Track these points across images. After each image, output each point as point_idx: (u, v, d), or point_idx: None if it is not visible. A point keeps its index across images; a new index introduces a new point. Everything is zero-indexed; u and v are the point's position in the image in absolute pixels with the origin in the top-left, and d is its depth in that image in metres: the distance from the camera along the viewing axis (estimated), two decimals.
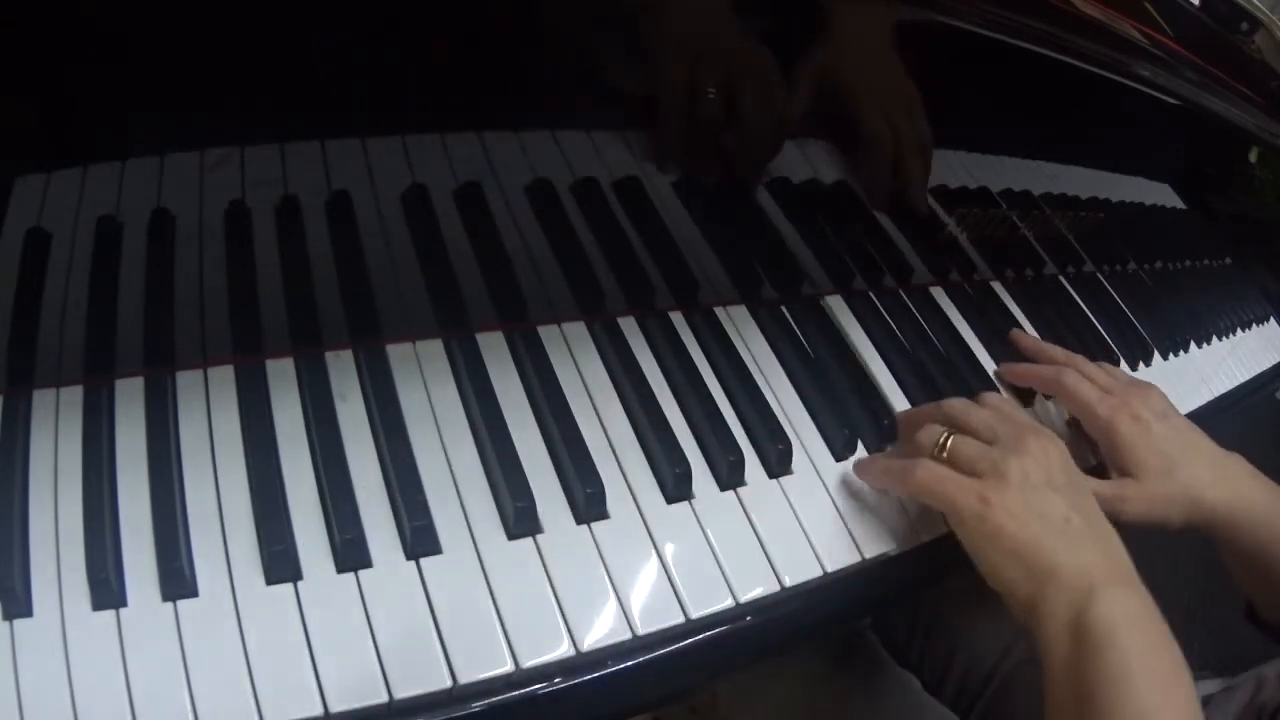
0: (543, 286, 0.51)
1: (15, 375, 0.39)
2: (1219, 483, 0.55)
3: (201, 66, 0.41)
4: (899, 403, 0.57)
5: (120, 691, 0.33)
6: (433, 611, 0.38)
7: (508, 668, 0.37)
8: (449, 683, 0.36)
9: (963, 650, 0.73)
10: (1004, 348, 0.66)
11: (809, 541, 0.47)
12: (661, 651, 0.41)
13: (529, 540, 0.42)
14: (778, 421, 0.50)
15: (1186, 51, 0.69)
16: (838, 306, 0.61)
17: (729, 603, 0.43)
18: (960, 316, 0.66)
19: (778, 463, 0.49)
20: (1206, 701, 0.63)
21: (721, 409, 0.50)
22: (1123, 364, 0.74)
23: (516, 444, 0.43)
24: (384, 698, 0.35)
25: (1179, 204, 0.97)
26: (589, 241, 0.53)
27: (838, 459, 0.52)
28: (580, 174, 0.54)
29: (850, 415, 0.53)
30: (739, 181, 0.60)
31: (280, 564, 0.37)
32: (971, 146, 0.71)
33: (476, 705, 0.37)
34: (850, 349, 0.58)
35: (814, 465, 0.51)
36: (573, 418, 0.46)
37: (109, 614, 0.34)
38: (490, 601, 0.39)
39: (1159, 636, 0.42)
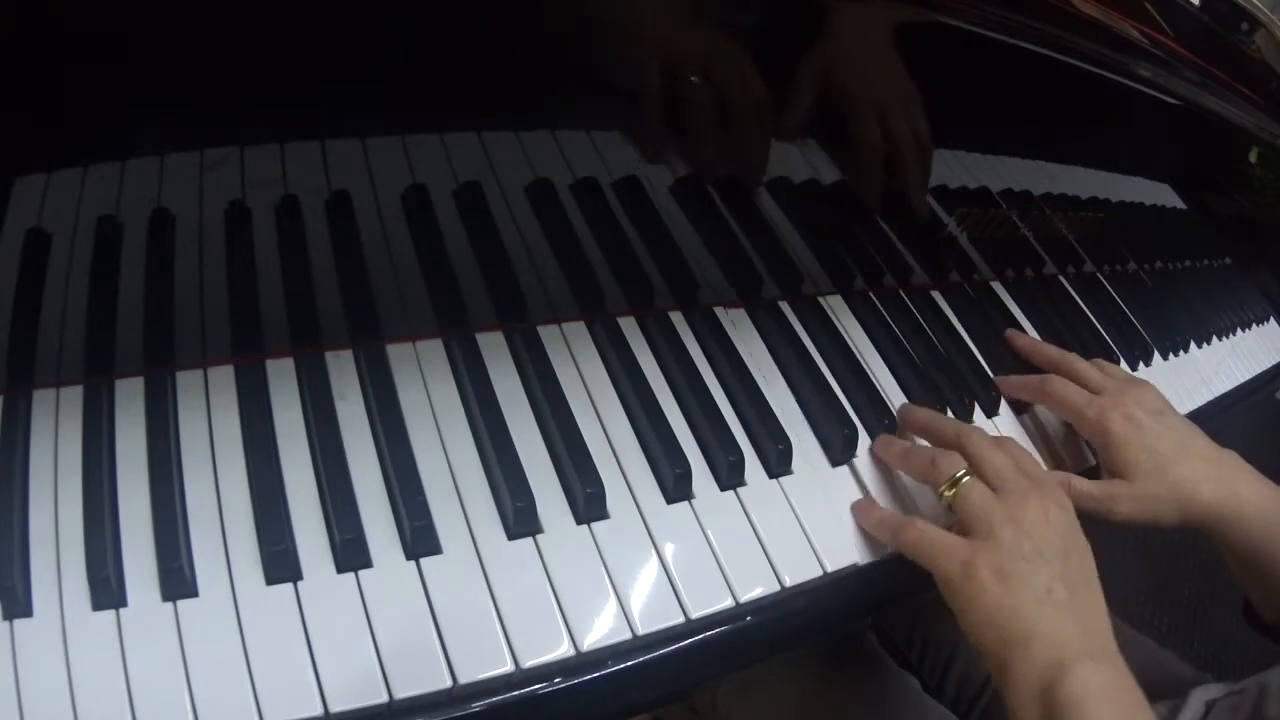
0: (543, 286, 0.51)
1: (15, 375, 0.39)
2: (1214, 480, 0.55)
3: (201, 66, 0.41)
4: (899, 402, 0.57)
5: (120, 691, 0.33)
6: (433, 611, 0.38)
7: (508, 668, 0.37)
8: (449, 683, 0.36)
9: (963, 651, 0.73)
10: (1004, 348, 0.66)
11: (809, 541, 0.47)
12: (661, 651, 0.42)
13: (529, 540, 0.42)
14: (778, 421, 0.50)
15: (1186, 51, 0.69)
16: (838, 306, 0.61)
17: (729, 603, 0.43)
18: (960, 317, 0.66)
19: (778, 463, 0.49)
20: (1209, 706, 0.63)
21: (721, 409, 0.50)
22: (1123, 364, 0.74)
23: (516, 444, 0.43)
24: (384, 698, 0.35)
25: (1179, 204, 0.97)
26: (589, 241, 0.53)
27: (838, 459, 0.52)
28: (580, 174, 0.54)
29: (850, 415, 0.54)
30: (738, 181, 0.60)
31: (280, 564, 0.37)
32: (971, 146, 0.71)
33: (476, 705, 0.37)
34: (850, 349, 0.58)
35: (814, 465, 0.51)
36: (573, 418, 0.46)
37: (109, 614, 0.34)
38: (490, 601, 0.39)
39: (1131, 709, 0.41)
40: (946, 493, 0.48)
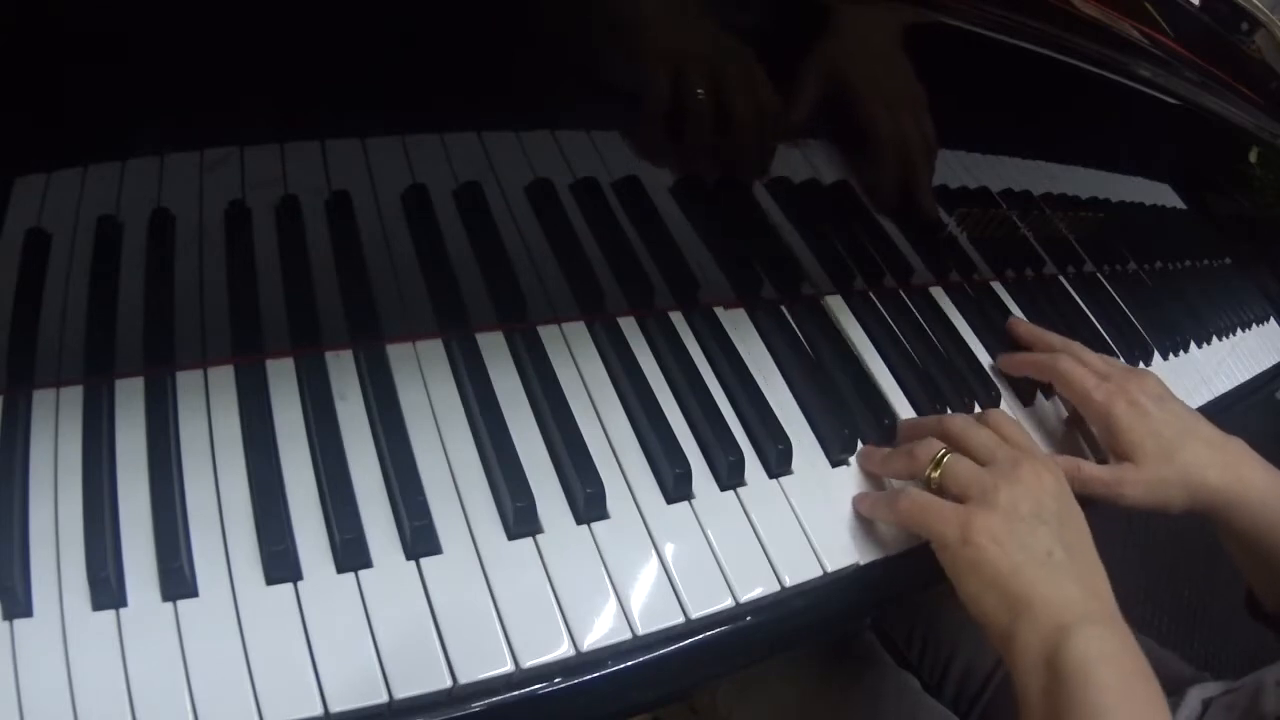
0: (543, 286, 0.51)
1: (15, 375, 0.39)
2: (1219, 465, 0.55)
3: (201, 66, 0.41)
4: (899, 403, 0.57)
5: (120, 691, 0.33)
6: (433, 611, 0.38)
7: (508, 668, 0.37)
8: (449, 683, 0.36)
9: (963, 650, 0.73)
10: (1004, 348, 0.66)
11: (809, 541, 0.47)
12: (661, 651, 0.42)
13: (529, 540, 0.42)
14: (778, 421, 0.50)
15: (1186, 51, 0.69)
16: (838, 306, 0.61)
17: (729, 603, 0.43)
18: (960, 316, 0.66)
19: (778, 463, 0.49)
20: (1207, 705, 0.63)
21: (721, 409, 0.50)
22: (1124, 362, 0.74)
23: (516, 444, 0.43)
24: (384, 698, 0.35)
25: (1179, 204, 0.97)
26: (589, 241, 0.53)
27: (838, 459, 0.52)
28: (580, 174, 0.54)
29: (850, 415, 0.54)
30: (739, 181, 0.60)
31: (280, 564, 0.37)
32: (971, 146, 0.71)
33: (476, 705, 0.37)
34: (850, 349, 0.58)
35: (814, 465, 0.51)
36: (573, 418, 0.46)
37: (109, 614, 0.34)
38: (490, 601, 0.39)
39: (1136, 673, 0.41)
40: (933, 474, 0.48)
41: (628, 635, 0.40)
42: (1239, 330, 0.96)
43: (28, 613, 0.34)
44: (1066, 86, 0.68)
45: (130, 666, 0.33)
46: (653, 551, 0.43)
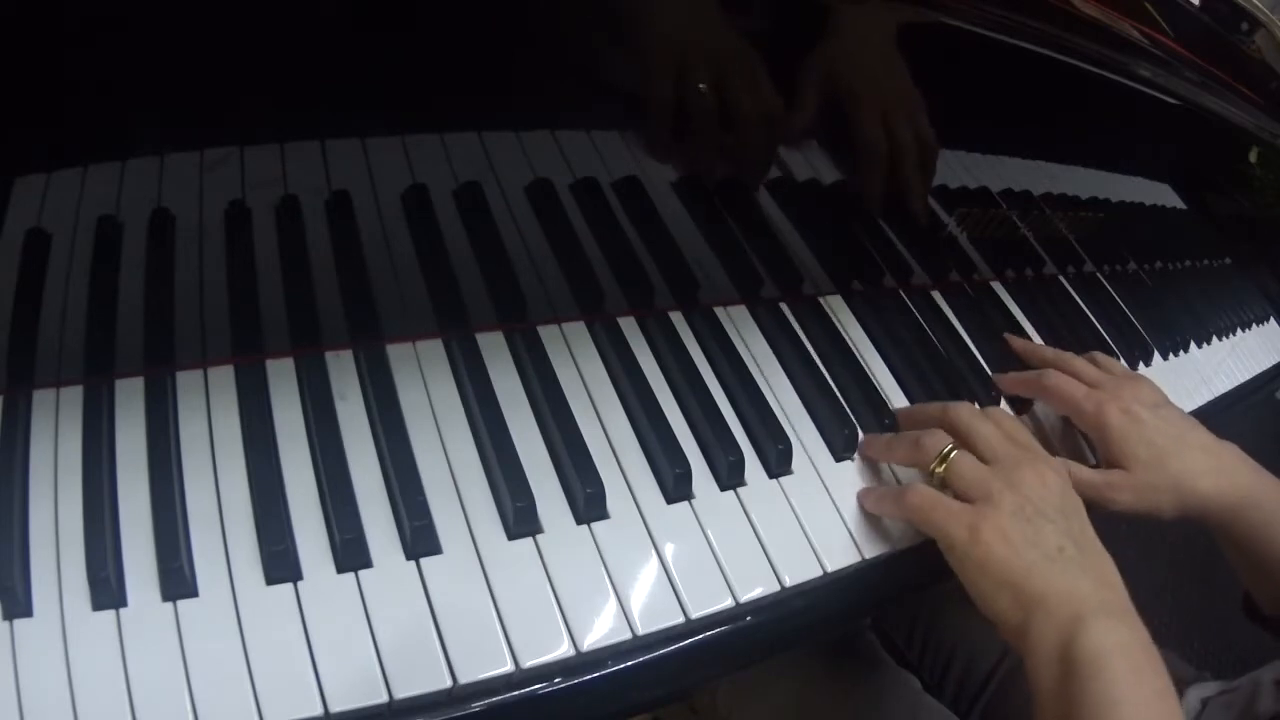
0: (543, 286, 0.51)
1: (15, 375, 0.39)
2: (1213, 472, 0.55)
3: (201, 66, 0.41)
4: (899, 402, 0.57)
5: (120, 691, 0.33)
6: (433, 611, 0.38)
7: (508, 668, 0.37)
8: (449, 683, 0.36)
9: (963, 650, 0.73)
10: (1003, 347, 0.66)
11: (809, 541, 0.47)
12: (661, 651, 0.41)
13: (529, 540, 0.42)
14: (778, 421, 0.50)
15: (1186, 51, 0.69)
16: (838, 306, 0.61)
17: (729, 603, 0.43)
18: (960, 316, 0.66)
19: (778, 463, 0.49)
20: (1205, 704, 0.63)
21: (721, 409, 0.50)
22: (1122, 364, 0.74)
23: (516, 444, 0.43)
24: (384, 698, 0.35)
25: (1179, 204, 0.97)
26: (589, 241, 0.53)
27: (838, 459, 0.52)
28: (580, 174, 0.54)
29: (850, 415, 0.54)
30: (739, 181, 0.60)
31: (280, 564, 0.37)
32: (971, 146, 0.71)
33: (476, 705, 0.37)
34: (850, 349, 0.58)
35: (814, 465, 0.51)
36: (573, 418, 0.46)
37: (109, 614, 0.34)
38: (490, 601, 0.39)
39: (1148, 666, 0.41)
40: (937, 469, 0.47)
41: (628, 635, 0.40)
42: (1239, 330, 0.96)
43: (28, 613, 0.34)
44: (1066, 86, 0.68)
45: (130, 666, 0.33)
46: (653, 551, 0.43)
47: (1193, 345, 0.85)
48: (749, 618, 0.44)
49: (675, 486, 0.45)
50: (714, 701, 0.71)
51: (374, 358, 0.45)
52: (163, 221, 0.44)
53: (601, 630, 0.40)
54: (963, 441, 0.49)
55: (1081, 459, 0.60)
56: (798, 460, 0.50)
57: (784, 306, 0.58)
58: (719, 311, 0.56)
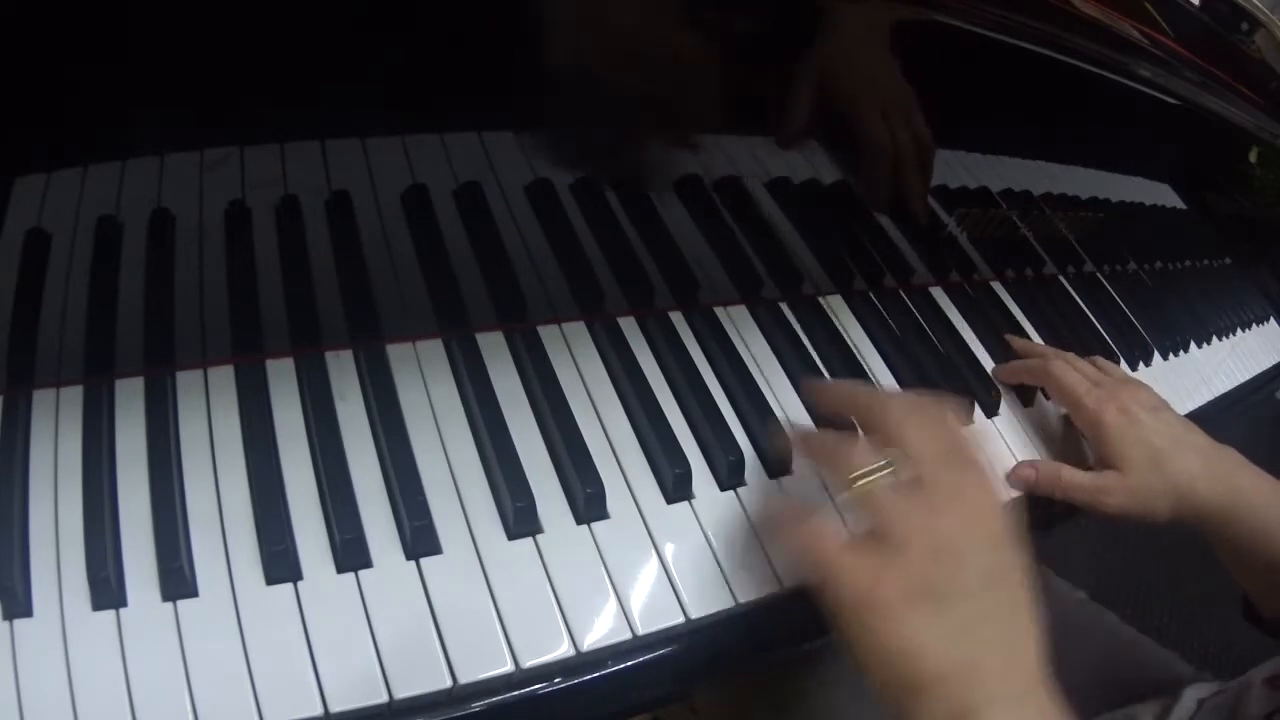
0: (543, 286, 0.51)
1: (15, 375, 0.39)
2: (1210, 476, 0.55)
3: (201, 66, 0.41)
4: None
5: (120, 691, 0.33)
6: (433, 611, 0.38)
7: (508, 668, 0.37)
8: (449, 683, 0.36)
9: None
10: (1003, 347, 0.66)
11: None
12: (661, 651, 0.41)
13: (529, 540, 0.42)
14: (778, 421, 0.50)
15: (1186, 51, 0.69)
16: (838, 306, 0.61)
17: (729, 602, 0.43)
18: (960, 316, 0.66)
19: (778, 463, 0.49)
20: (1201, 705, 0.63)
21: (721, 409, 0.50)
22: (1123, 364, 0.74)
23: (516, 444, 0.43)
24: (384, 698, 0.35)
25: (1179, 204, 0.97)
26: (589, 241, 0.53)
27: None
28: (580, 174, 0.54)
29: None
30: (739, 181, 0.60)
31: (280, 564, 0.37)
32: (971, 146, 0.71)
33: (476, 705, 0.37)
34: (850, 349, 0.58)
35: (814, 465, 0.51)
36: (573, 418, 0.46)
37: (109, 614, 0.34)
38: (490, 601, 0.39)
39: None
40: (852, 489, 0.40)
41: (628, 635, 0.40)
42: (1239, 330, 0.96)
43: (28, 613, 0.34)
44: (1066, 86, 0.68)
45: (130, 666, 0.33)
46: (653, 551, 0.43)
47: (1193, 345, 0.85)
48: (749, 617, 0.44)
49: (675, 486, 0.45)
50: (715, 701, 0.71)
51: (374, 358, 0.45)
52: (163, 221, 0.44)
53: (601, 630, 0.40)
54: (892, 441, 0.42)
55: (1083, 463, 0.60)
56: (798, 460, 0.50)
57: (784, 306, 0.58)
58: (719, 311, 0.55)
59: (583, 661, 0.39)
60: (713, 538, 0.45)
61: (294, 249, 0.46)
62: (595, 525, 0.43)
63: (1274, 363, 0.97)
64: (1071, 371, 0.58)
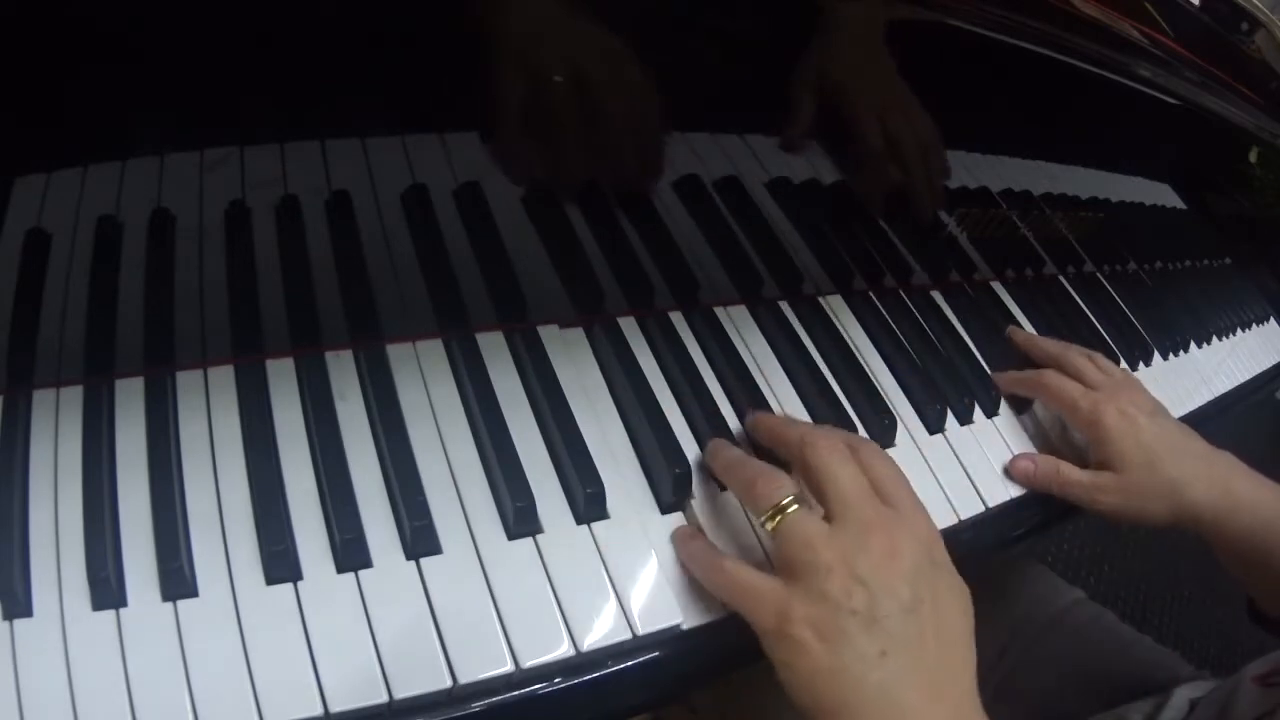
0: (543, 286, 0.51)
1: (15, 375, 0.39)
2: (1207, 480, 0.55)
3: (201, 66, 0.41)
4: (900, 402, 0.57)
5: (120, 691, 0.33)
6: (433, 611, 0.38)
7: (508, 668, 0.37)
8: (449, 683, 0.36)
9: None
10: (1003, 348, 0.66)
11: None
12: (661, 652, 0.41)
13: (529, 540, 0.42)
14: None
15: (1186, 51, 0.69)
16: (838, 306, 0.61)
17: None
18: (960, 316, 0.66)
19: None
20: (1194, 704, 0.63)
21: (721, 409, 0.50)
22: (1122, 364, 0.74)
23: (516, 444, 0.43)
24: (384, 698, 0.35)
25: (1179, 204, 0.97)
26: (589, 241, 0.53)
27: None
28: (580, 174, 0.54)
29: (850, 415, 0.53)
30: (738, 181, 0.60)
31: (280, 564, 0.37)
32: (971, 146, 0.71)
33: (476, 705, 0.37)
34: (850, 349, 0.58)
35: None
36: (573, 418, 0.46)
37: (109, 614, 0.34)
38: (490, 601, 0.39)
39: None
40: (768, 525, 0.40)
41: (628, 635, 0.40)
42: (1239, 330, 0.96)
43: (28, 613, 0.34)
44: (1066, 86, 0.68)
45: (130, 666, 0.33)
46: (653, 551, 0.43)
47: (1193, 345, 0.85)
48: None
49: (675, 487, 0.45)
50: (715, 701, 0.71)
51: (374, 358, 0.45)
52: (163, 221, 0.44)
53: (601, 630, 0.40)
54: (813, 486, 0.42)
55: (1080, 461, 0.60)
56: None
57: (784, 306, 0.58)
58: (719, 311, 0.56)
59: (583, 661, 0.39)
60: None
61: (294, 249, 0.46)
62: (595, 525, 0.43)
63: (1274, 363, 0.97)
64: (1065, 380, 0.59)
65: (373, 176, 0.49)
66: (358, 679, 0.35)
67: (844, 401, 0.54)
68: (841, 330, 0.59)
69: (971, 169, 0.72)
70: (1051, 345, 0.63)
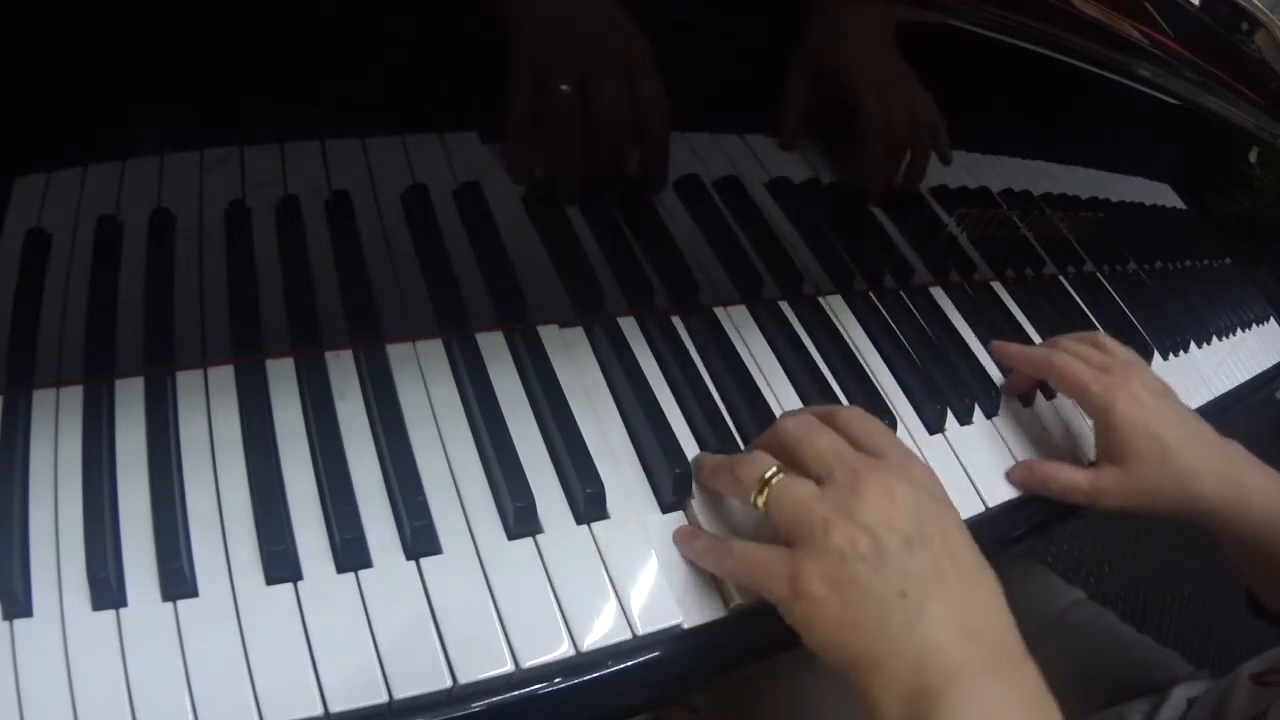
0: (543, 286, 0.51)
1: (15, 375, 0.39)
2: (1216, 473, 0.54)
3: (201, 66, 0.41)
4: (900, 402, 0.57)
5: (120, 691, 0.33)
6: (433, 611, 0.38)
7: (508, 668, 0.37)
8: (449, 683, 0.36)
9: None
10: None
11: None
12: (661, 652, 0.41)
13: (529, 540, 0.42)
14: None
15: (1186, 51, 0.69)
16: (838, 306, 0.61)
17: (730, 602, 0.43)
18: (960, 316, 0.66)
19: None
20: (1191, 703, 0.63)
21: (721, 409, 0.50)
22: (1126, 348, 0.74)
23: (516, 444, 0.43)
24: (384, 698, 0.35)
25: (1179, 204, 0.97)
26: (589, 241, 0.53)
27: None
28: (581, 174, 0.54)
29: None
30: (738, 181, 0.60)
31: (280, 564, 0.37)
32: (971, 146, 0.71)
33: (476, 705, 0.37)
34: (850, 349, 0.58)
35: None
36: (573, 418, 0.46)
37: (109, 614, 0.34)
38: (490, 601, 0.39)
39: None
40: (758, 502, 0.40)
41: (628, 635, 0.40)
42: (1239, 330, 0.96)
43: (28, 613, 0.34)
44: (1066, 86, 0.68)
45: (130, 666, 0.33)
46: (652, 551, 0.43)
47: (1193, 345, 0.85)
48: (750, 618, 0.44)
49: (675, 486, 0.45)
50: (715, 701, 0.71)
51: (374, 358, 0.45)
52: (163, 221, 0.44)
53: (601, 630, 0.40)
54: (791, 461, 0.41)
55: (1086, 460, 0.60)
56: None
57: (784, 306, 0.58)
58: (719, 311, 0.56)
59: (583, 661, 0.39)
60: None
61: (294, 249, 0.46)
62: (595, 525, 0.43)
63: (1274, 363, 0.97)
64: (1074, 361, 0.56)
65: (373, 176, 0.49)
66: (358, 679, 0.35)
67: (844, 402, 0.54)
68: (841, 330, 0.59)
69: (971, 169, 0.72)
70: (1037, 354, 0.59)
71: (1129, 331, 0.78)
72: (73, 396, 0.40)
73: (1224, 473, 0.54)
